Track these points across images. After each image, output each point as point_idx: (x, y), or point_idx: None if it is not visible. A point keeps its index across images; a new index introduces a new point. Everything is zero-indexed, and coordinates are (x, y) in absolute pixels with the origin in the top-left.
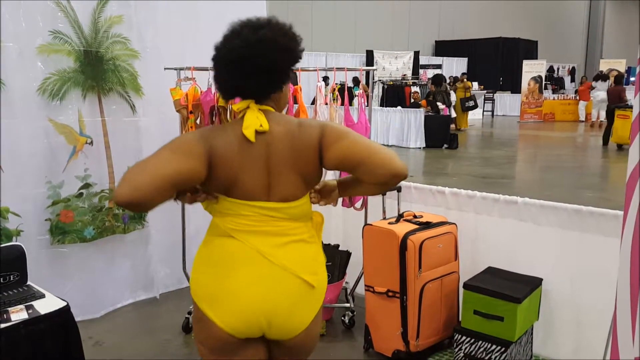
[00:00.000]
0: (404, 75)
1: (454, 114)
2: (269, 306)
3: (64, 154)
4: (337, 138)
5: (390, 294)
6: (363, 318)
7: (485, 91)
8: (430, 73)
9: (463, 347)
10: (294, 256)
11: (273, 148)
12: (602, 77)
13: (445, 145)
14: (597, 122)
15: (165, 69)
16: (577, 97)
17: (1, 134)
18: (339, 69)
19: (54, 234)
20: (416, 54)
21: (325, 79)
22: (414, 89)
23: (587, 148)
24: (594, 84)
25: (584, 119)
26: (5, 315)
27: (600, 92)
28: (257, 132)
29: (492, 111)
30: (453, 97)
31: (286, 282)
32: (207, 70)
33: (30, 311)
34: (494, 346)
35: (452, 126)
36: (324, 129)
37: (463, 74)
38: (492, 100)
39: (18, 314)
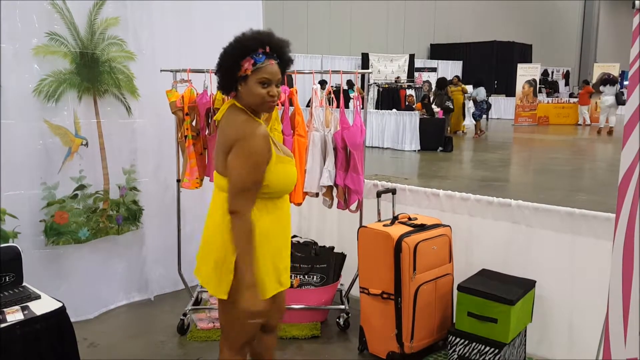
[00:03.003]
0: (397, 78)
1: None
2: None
3: (59, 155)
4: (233, 150)
5: (384, 295)
6: (358, 320)
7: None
8: (425, 76)
9: (457, 349)
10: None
11: (219, 133)
12: (611, 81)
13: (440, 148)
14: (605, 128)
15: (161, 70)
16: (577, 101)
17: (0, 135)
18: (334, 71)
19: (48, 235)
20: (411, 57)
21: (322, 82)
22: (409, 92)
23: (582, 151)
24: (601, 88)
25: (581, 123)
26: (0, 316)
27: (608, 97)
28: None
29: (487, 114)
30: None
31: None
32: (203, 72)
33: (25, 312)
34: (487, 348)
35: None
36: (236, 139)
37: (456, 76)
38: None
39: (14, 315)
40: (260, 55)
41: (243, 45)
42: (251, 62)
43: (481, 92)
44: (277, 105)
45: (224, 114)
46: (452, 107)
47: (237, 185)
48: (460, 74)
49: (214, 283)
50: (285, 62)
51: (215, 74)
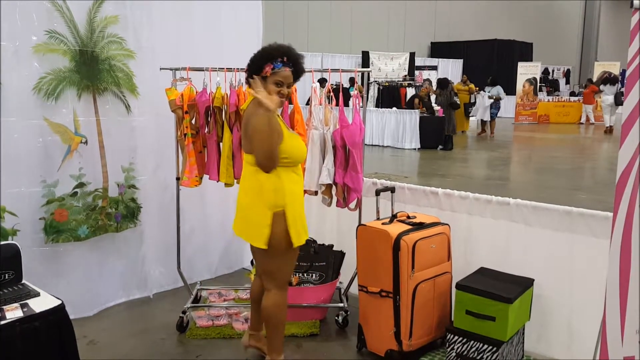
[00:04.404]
0: (405, 76)
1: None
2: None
3: (59, 153)
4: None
5: (383, 293)
6: (356, 318)
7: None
8: (426, 74)
9: (455, 347)
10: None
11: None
12: (611, 80)
13: (440, 147)
14: (609, 127)
15: (160, 69)
16: (582, 100)
17: (0, 133)
18: (333, 70)
19: (48, 232)
20: (412, 55)
21: (322, 81)
22: (410, 90)
23: (582, 149)
24: (601, 87)
25: (583, 121)
26: (0, 313)
27: (609, 97)
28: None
29: None
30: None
31: None
32: (203, 70)
33: (25, 309)
34: (485, 346)
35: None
36: (247, 120)
37: (465, 75)
38: None
39: (13, 312)
40: (279, 63)
41: (267, 54)
42: (271, 67)
43: (501, 91)
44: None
45: (249, 105)
46: (459, 103)
47: (256, 152)
48: (460, 72)
49: (255, 237)
50: (298, 70)
51: (245, 71)
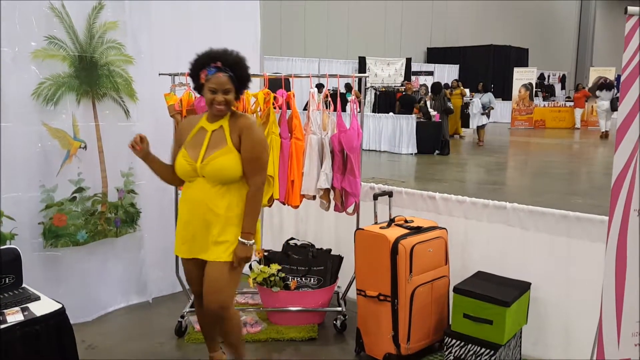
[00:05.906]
0: (411, 85)
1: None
2: None
3: (58, 158)
4: None
5: (381, 297)
6: (355, 322)
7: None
8: (422, 80)
9: (453, 351)
10: None
11: None
12: (607, 85)
13: (437, 152)
14: (605, 132)
15: (159, 74)
16: (573, 105)
17: (0, 138)
18: (331, 75)
19: (47, 237)
20: (408, 61)
21: (319, 86)
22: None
23: (578, 154)
24: (597, 92)
25: (579, 126)
26: (0, 317)
27: (604, 102)
28: None
29: None
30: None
31: None
32: None
33: (25, 313)
34: (483, 349)
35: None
36: None
37: (455, 80)
38: None
39: (14, 316)
40: (212, 69)
41: (199, 61)
42: (205, 74)
43: (492, 98)
44: (275, 108)
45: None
46: (452, 108)
47: None
48: (457, 78)
49: None
50: (240, 75)
51: None
